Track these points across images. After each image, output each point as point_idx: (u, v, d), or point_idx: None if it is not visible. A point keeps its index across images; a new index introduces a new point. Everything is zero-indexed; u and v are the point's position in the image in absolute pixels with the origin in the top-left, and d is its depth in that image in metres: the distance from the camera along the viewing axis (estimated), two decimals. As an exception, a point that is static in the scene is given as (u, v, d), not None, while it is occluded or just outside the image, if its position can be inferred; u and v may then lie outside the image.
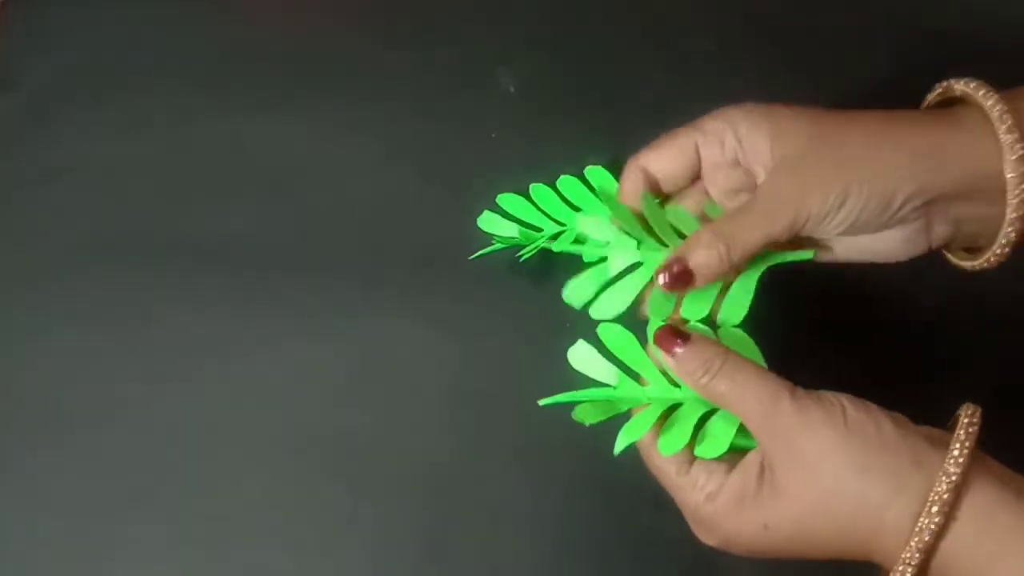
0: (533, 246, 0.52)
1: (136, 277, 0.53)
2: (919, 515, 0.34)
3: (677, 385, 0.42)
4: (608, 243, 0.46)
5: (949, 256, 0.44)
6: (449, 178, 0.56)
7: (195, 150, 0.56)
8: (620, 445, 0.41)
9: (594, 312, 0.44)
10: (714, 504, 0.38)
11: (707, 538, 0.39)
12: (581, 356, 0.44)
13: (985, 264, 0.42)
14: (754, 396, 0.38)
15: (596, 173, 0.54)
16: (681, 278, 0.41)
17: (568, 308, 0.46)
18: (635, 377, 0.43)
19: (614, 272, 0.44)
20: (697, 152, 0.44)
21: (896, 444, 0.36)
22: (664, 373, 0.42)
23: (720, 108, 0.44)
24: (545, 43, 0.60)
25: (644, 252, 0.45)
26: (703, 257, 0.41)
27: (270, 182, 0.56)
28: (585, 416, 0.41)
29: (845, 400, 0.37)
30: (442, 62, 0.59)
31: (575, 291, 0.45)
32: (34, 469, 0.49)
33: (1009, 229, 0.40)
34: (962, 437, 0.35)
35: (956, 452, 0.35)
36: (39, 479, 0.49)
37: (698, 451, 0.40)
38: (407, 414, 0.50)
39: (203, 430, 0.49)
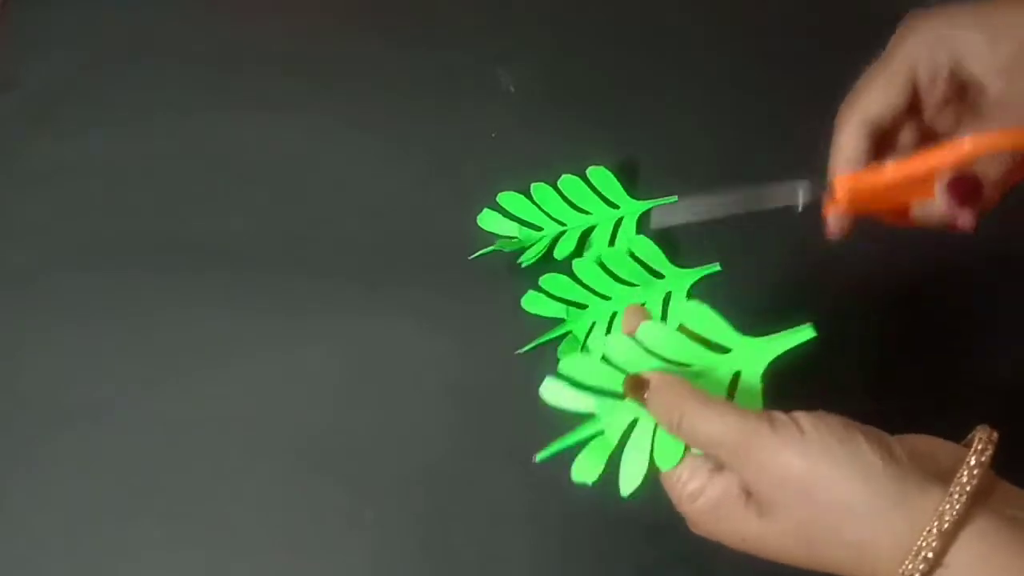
0: (533, 253, 0.52)
1: (136, 277, 0.53)
2: (904, 558, 0.32)
3: None
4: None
5: None
6: (449, 178, 0.56)
7: (195, 150, 0.56)
8: (627, 488, 0.39)
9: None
10: (694, 505, 0.38)
11: (692, 528, 0.39)
12: (554, 393, 0.42)
13: None
14: (720, 441, 0.36)
15: (598, 173, 0.54)
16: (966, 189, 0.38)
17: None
18: (610, 395, 0.41)
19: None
20: (913, 73, 0.41)
21: (879, 480, 0.33)
22: None
23: (905, 25, 0.41)
24: (545, 43, 0.60)
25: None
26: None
27: (270, 182, 0.56)
28: (584, 475, 0.40)
29: (826, 431, 0.34)
30: (442, 62, 0.59)
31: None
32: (34, 469, 0.49)
33: None
34: (964, 480, 0.32)
35: (956, 495, 0.32)
36: (39, 479, 0.48)
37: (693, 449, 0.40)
38: (407, 414, 0.50)
39: (203, 430, 0.49)
